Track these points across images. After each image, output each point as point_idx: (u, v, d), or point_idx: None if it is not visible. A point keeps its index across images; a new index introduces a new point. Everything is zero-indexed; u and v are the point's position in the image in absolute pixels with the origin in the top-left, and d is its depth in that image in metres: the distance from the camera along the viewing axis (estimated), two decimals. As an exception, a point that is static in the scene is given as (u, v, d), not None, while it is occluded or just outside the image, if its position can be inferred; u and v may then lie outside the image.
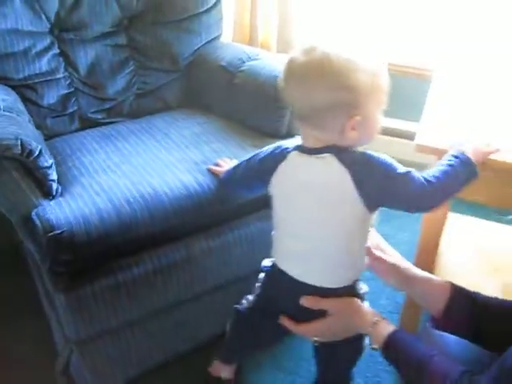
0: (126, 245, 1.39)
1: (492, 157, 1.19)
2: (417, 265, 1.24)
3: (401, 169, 1.05)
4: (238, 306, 1.34)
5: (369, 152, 1.06)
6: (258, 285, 1.30)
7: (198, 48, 2.00)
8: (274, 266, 1.24)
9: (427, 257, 1.58)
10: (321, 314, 1.18)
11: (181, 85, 2.01)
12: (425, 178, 1.05)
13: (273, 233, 1.22)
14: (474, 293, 1.15)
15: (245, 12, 2.27)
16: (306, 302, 1.17)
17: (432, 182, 1.05)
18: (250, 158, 1.27)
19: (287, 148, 1.13)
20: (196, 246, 1.48)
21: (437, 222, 1.55)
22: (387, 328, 1.10)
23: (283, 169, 1.12)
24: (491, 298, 1.15)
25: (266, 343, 1.50)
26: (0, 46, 1.68)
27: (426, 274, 1.21)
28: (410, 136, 1.56)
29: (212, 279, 1.55)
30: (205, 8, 1.97)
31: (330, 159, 1.04)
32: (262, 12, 2.25)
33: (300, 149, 1.09)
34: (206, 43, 2.01)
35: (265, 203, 1.50)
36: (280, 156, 1.13)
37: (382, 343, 1.09)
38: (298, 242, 1.14)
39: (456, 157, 1.11)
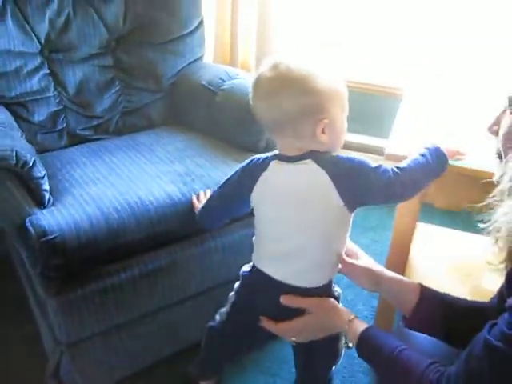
0: (114, 250, 1.47)
1: (454, 162, 1.28)
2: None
3: (373, 164, 1.12)
4: (210, 323, 1.38)
5: (342, 154, 1.13)
6: (232, 294, 1.35)
7: (182, 68, 2.10)
8: (252, 269, 1.29)
9: (398, 263, 1.67)
10: (298, 314, 1.22)
11: (165, 103, 2.11)
12: (397, 167, 1.13)
13: (254, 238, 1.27)
14: (442, 293, 1.21)
15: (225, 34, 2.38)
16: (285, 300, 1.20)
17: (404, 170, 1.13)
18: (221, 185, 1.32)
19: (266, 157, 1.19)
20: (180, 252, 1.56)
21: (406, 229, 1.65)
22: (361, 325, 1.14)
23: (265, 178, 1.17)
24: (459, 298, 1.21)
25: (241, 352, 1.56)
26: (-7, 65, 1.77)
27: (396, 275, 1.26)
28: (379, 152, 1.66)
29: (195, 284, 1.63)
30: (188, 30, 2.08)
31: (309, 164, 1.11)
32: (241, 33, 2.36)
33: (279, 157, 1.16)
34: (189, 64, 2.11)
35: (244, 214, 1.60)
36: (262, 165, 1.18)
37: (356, 340, 1.13)
38: (280, 244, 1.19)
39: (427, 148, 1.19)
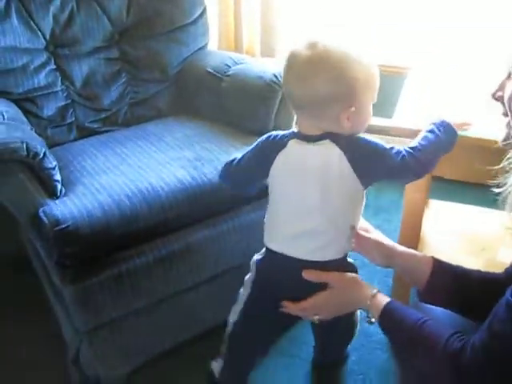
0: (128, 237, 1.48)
1: (461, 133, 1.28)
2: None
3: (387, 145, 1.14)
4: (228, 328, 1.38)
5: (360, 136, 1.15)
6: (242, 290, 1.35)
7: (187, 57, 2.11)
8: (265, 254, 1.29)
9: (410, 239, 1.67)
10: (319, 291, 1.21)
11: (171, 93, 2.11)
12: (410, 147, 1.15)
13: (266, 219, 1.28)
14: (455, 266, 1.21)
15: (229, 21, 2.39)
16: (306, 274, 1.19)
17: (416, 149, 1.15)
18: (243, 156, 1.29)
19: (284, 135, 1.19)
20: (193, 236, 1.57)
21: (417, 205, 1.65)
22: (384, 299, 1.14)
23: (283, 156, 1.18)
24: (472, 269, 1.21)
25: (267, 345, 1.51)
26: (0, 62, 1.79)
27: (408, 249, 1.27)
28: (382, 131, 1.65)
29: (209, 268, 1.64)
30: (191, 19, 2.08)
31: (328, 145, 1.12)
32: (245, 20, 2.36)
33: (297, 136, 1.16)
34: (193, 52, 2.12)
35: (256, 195, 1.61)
36: (280, 143, 1.18)
37: (378, 313, 1.13)
38: (297, 222, 1.19)
39: (434, 123, 1.21)
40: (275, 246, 1.25)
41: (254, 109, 1.80)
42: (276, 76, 1.78)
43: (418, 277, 1.22)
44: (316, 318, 1.26)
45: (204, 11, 2.12)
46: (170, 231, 1.55)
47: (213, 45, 2.33)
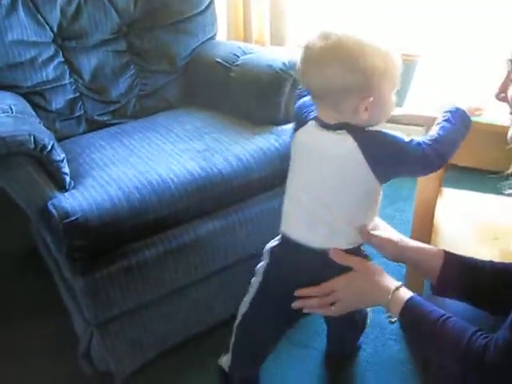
0: (137, 229, 1.47)
1: (474, 118, 1.25)
2: (413, 238, 1.29)
3: (406, 139, 1.10)
4: (237, 320, 1.35)
5: (379, 130, 1.11)
6: (254, 279, 1.32)
7: (195, 48, 2.09)
8: (282, 241, 1.26)
9: (423, 229, 1.65)
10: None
11: (180, 84, 2.10)
12: (429, 140, 1.12)
13: (284, 205, 1.24)
14: (466, 257, 1.19)
15: (238, 10, 2.38)
16: (334, 254, 1.17)
17: (435, 140, 1.12)
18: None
19: (309, 110, 1.18)
20: (203, 227, 1.56)
21: (430, 194, 1.63)
22: (407, 294, 1.12)
23: (302, 133, 1.18)
24: (485, 260, 1.18)
25: (277, 336, 1.43)
26: (8, 56, 1.78)
27: (419, 243, 1.25)
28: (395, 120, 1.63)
29: (219, 259, 1.62)
30: (199, 9, 2.06)
31: (344, 136, 1.09)
32: (254, 9, 2.35)
33: (316, 120, 1.14)
34: (202, 43, 2.10)
35: (264, 187, 1.60)
36: (303, 119, 1.18)
37: (400, 308, 1.10)
38: (312, 210, 1.16)
39: (449, 111, 1.18)
40: (290, 233, 1.22)
41: (263, 98, 1.78)
42: (285, 64, 1.76)
43: (429, 270, 1.19)
44: (332, 309, 1.20)
45: (212, 1, 2.10)
46: (180, 223, 1.54)
47: (222, 35, 2.32)
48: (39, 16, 1.84)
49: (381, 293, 1.14)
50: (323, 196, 1.15)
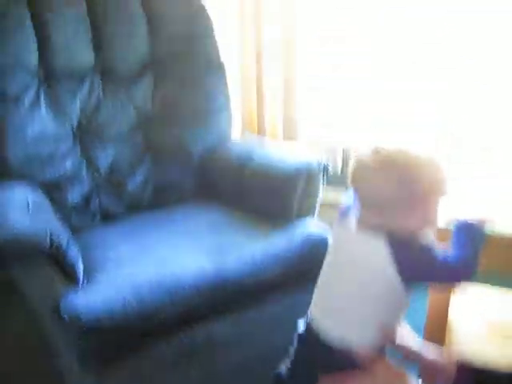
0: (150, 330, 1.45)
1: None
2: (427, 335, 1.26)
3: (438, 253, 1.10)
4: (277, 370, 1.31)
5: (414, 237, 1.11)
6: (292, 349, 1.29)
7: (210, 143, 2.13)
8: (307, 327, 1.23)
9: (435, 332, 1.62)
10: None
11: (195, 178, 2.13)
12: (452, 259, 1.11)
13: (315, 291, 1.24)
14: (480, 368, 1.16)
15: (252, 106, 2.45)
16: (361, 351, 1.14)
17: (459, 261, 1.10)
18: None
19: (349, 207, 1.20)
20: (216, 329, 1.54)
21: (442, 297, 1.61)
22: None
23: (339, 229, 1.20)
24: (497, 371, 1.15)
25: None
26: (28, 149, 1.83)
27: (432, 356, 1.21)
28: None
29: (235, 360, 1.60)
30: (215, 107, 2.13)
31: (377, 239, 1.09)
32: (268, 104, 2.42)
33: (357, 221, 1.15)
34: (217, 138, 2.15)
35: (279, 287, 1.58)
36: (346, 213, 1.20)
37: None
38: (335, 306, 1.17)
39: (462, 228, 1.16)
40: (316, 321, 1.20)
41: (276, 197, 1.82)
42: (298, 164, 1.81)
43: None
44: None
45: (228, 98, 2.16)
46: (194, 321, 1.52)
47: (236, 127, 2.38)
48: (60, 111, 1.90)
49: None
50: (347, 292, 1.14)
